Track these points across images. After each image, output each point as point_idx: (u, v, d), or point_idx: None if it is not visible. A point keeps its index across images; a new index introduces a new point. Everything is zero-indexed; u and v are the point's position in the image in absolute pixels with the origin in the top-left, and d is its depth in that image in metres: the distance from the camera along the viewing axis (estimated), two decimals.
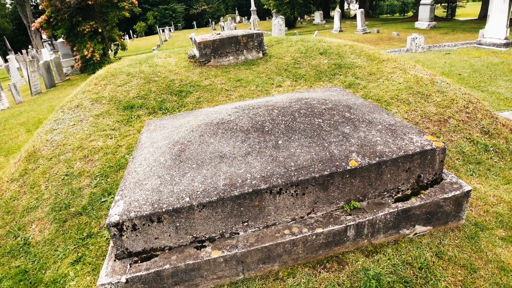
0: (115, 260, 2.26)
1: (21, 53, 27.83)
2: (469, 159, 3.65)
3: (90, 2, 12.79)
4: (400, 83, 4.76)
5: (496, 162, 3.65)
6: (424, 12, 18.30)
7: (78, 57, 14.34)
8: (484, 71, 7.92)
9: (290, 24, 26.77)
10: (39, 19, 13.54)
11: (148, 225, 2.17)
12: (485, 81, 7.03)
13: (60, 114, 4.63)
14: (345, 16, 32.19)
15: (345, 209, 2.44)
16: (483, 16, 18.99)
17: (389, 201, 2.48)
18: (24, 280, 2.73)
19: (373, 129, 2.70)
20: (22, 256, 2.96)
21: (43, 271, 2.78)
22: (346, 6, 40.06)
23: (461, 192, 2.50)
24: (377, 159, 2.37)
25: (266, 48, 6.01)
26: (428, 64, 9.18)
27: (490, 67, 8.27)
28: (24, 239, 3.10)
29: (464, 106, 4.30)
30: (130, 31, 44.30)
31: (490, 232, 2.59)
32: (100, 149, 3.90)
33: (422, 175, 2.53)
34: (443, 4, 28.33)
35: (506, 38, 10.87)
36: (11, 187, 3.64)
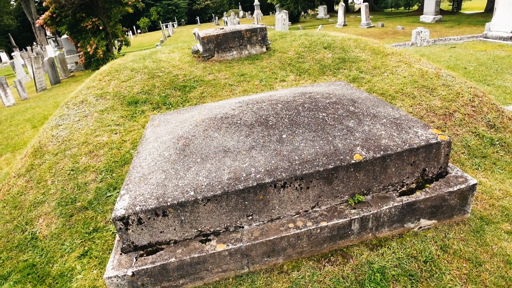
0: (121, 254, 2.28)
1: (26, 50, 27.94)
2: (475, 153, 3.62)
3: None
4: (405, 77, 4.72)
5: (502, 156, 3.62)
6: (429, 5, 18.10)
7: (82, 53, 14.39)
8: (490, 64, 7.83)
9: (294, 19, 26.62)
10: (43, 16, 13.59)
11: (154, 219, 2.18)
12: (491, 75, 6.96)
13: (65, 110, 4.66)
14: (349, 10, 31.93)
15: (349, 202, 2.44)
16: (489, 9, 18.73)
17: (394, 194, 2.48)
18: (32, 273, 2.77)
19: (377, 123, 2.69)
20: (29, 250, 3.00)
21: (51, 265, 2.82)
22: (350, 0, 39.70)
23: (467, 186, 2.48)
24: (381, 152, 2.36)
25: (269, 42, 5.99)
26: (433, 57, 9.09)
27: (497, 60, 8.18)
28: (31, 234, 3.14)
29: (469, 100, 4.26)
30: (134, 27, 44.31)
31: (495, 226, 2.58)
32: (105, 144, 3.93)
33: (427, 168, 2.52)
34: None
35: None
36: (18, 182, 3.68)
